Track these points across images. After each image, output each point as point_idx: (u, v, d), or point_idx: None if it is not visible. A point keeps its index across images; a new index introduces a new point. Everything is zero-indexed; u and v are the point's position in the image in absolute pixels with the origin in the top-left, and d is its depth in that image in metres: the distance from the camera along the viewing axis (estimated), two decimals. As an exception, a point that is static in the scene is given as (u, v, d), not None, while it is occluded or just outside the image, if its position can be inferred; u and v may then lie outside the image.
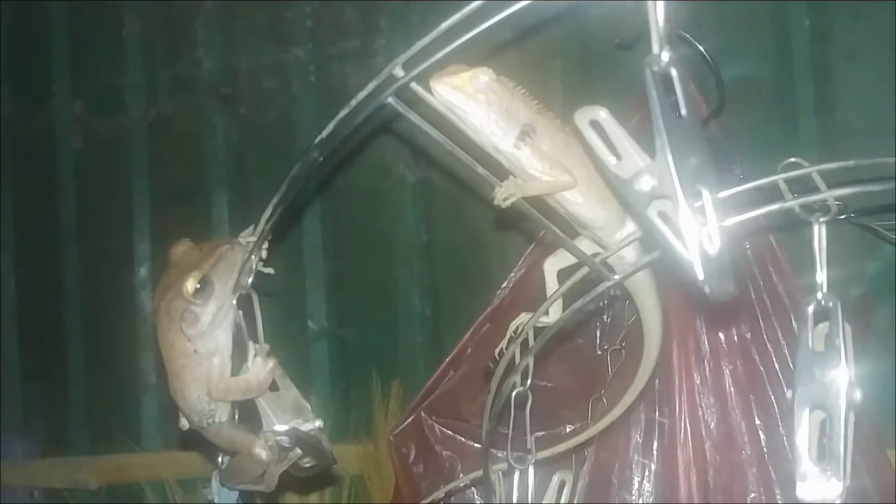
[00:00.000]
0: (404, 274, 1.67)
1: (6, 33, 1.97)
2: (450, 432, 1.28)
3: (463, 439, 1.27)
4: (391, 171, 1.66)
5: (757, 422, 1.15)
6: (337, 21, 1.72)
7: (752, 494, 1.14)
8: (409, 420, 1.31)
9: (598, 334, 1.30)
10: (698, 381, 1.16)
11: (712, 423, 1.15)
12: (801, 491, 0.58)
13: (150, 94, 1.85)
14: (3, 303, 1.96)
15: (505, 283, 1.30)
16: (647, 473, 1.20)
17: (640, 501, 1.18)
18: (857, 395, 0.58)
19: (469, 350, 1.32)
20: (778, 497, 1.12)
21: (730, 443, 1.15)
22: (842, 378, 0.59)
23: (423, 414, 1.30)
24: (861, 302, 1.33)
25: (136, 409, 1.82)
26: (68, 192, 1.91)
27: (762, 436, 1.16)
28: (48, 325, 1.93)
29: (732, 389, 1.16)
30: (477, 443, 1.25)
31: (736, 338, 1.17)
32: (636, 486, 1.19)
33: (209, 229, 1.77)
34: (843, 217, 1.09)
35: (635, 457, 1.20)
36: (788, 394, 0.60)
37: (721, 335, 1.17)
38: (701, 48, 1.16)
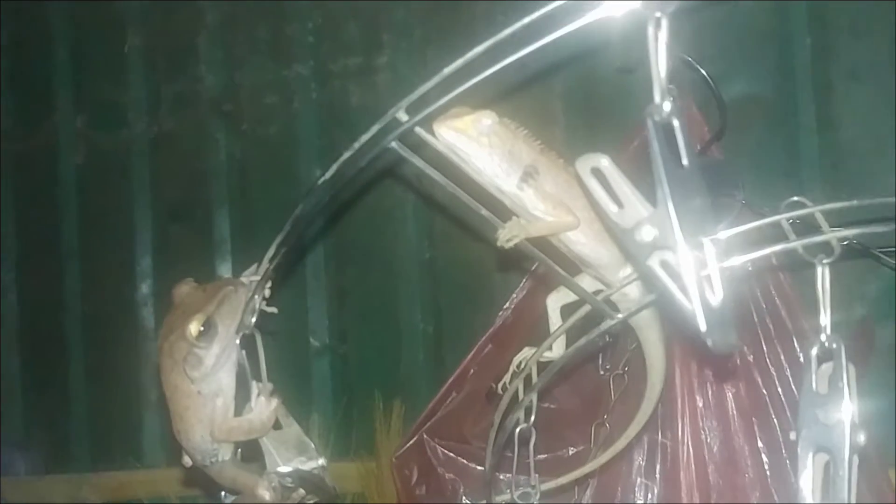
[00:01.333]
0: (406, 291, 1.67)
1: (8, 48, 1.98)
2: (452, 454, 1.27)
3: (465, 461, 1.26)
4: (393, 187, 1.66)
5: (759, 444, 1.15)
6: (339, 37, 1.73)
7: (755, 517, 1.14)
8: (412, 442, 1.31)
9: (600, 356, 1.30)
10: (701, 405, 1.16)
11: (715, 447, 1.15)
12: (806, 536, 0.58)
13: (152, 110, 1.86)
14: (5, 318, 1.96)
15: (507, 304, 1.30)
16: (650, 496, 1.20)
17: (643, 524, 1.19)
18: (861, 438, 0.58)
19: (471, 371, 1.31)
20: (780, 522, 1.12)
21: (733, 466, 1.15)
22: (846, 421, 0.59)
23: (425, 436, 1.29)
24: (863, 325, 1.33)
25: (137, 426, 1.82)
26: (70, 206, 1.92)
27: (765, 459, 1.16)
28: (49, 340, 1.93)
29: (735, 413, 1.16)
30: (479, 465, 1.25)
31: (739, 361, 1.17)
32: (639, 509, 1.20)
33: (211, 245, 1.79)
34: (844, 243, 1.10)
35: (638, 479, 1.20)
36: (792, 435, 0.60)
37: (724, 358, 1.18)
38: (703, 72, 1.16)
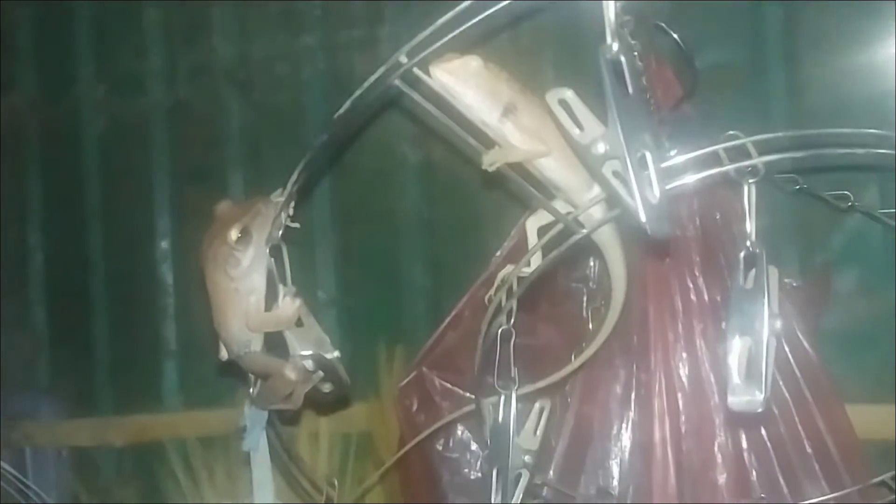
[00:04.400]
0: (407, 248, 1.77)
1: (31, 22, 2.07)
2: (448, 385, 1.39)
3: (460, 391, 1.38)
4: (394, 152, 1.76)
5: (724, 374, 1.28)
6: (344, 11, 1.81)
7: (720, 438, 1.24)
8: (413, 376, 1.43)
9: (584, 300, 1.41)
10: (672, 339, 1.26)
11: (684, 376, 1.25)
12: (732, 402, 0.71)
13: (170, 80, 1.94)
14: (31, 275, 2.06)
15: (499, 252, 1.42)
16: (625, 421, 1.30)
17: (619, 445, 1.31)
18: (778, 324, 0.71)
19: (466, 313, 1.42)
20: (742, 439, 1.25)
21: (699, 393, 1.25)
22: (764, 310, 0.71)
23: (424, 370, 1.41)
24: (823, 269, 1.45)
25: (157, 373, 1.92)
26: (92, 171, 2.01)
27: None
28: (74, 295, 2.03)
29: (703, 346, 1.26)
30: (472, 393, 1.37)
31: (707, 300, 1.27)
32: (615, 431, 1.30)
33: (226, 205, 1.89)
34: (797, 188, 1.23)
35: (615, 406, 1.31)
36: (723, 325, 0.72)
37: (693, 297, 1.28)
38: (675, 36, 1.27)
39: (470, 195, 1.68)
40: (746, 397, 0.70)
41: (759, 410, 0.69)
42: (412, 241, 1.77)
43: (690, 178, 0.72)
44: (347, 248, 1.82)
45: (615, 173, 0.63)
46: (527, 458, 0.86)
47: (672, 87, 1.32)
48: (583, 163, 0.68)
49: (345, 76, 1.80)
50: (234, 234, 0.83)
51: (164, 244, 1.95)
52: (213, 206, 1.86)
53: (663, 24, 1.27)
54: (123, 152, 2.00)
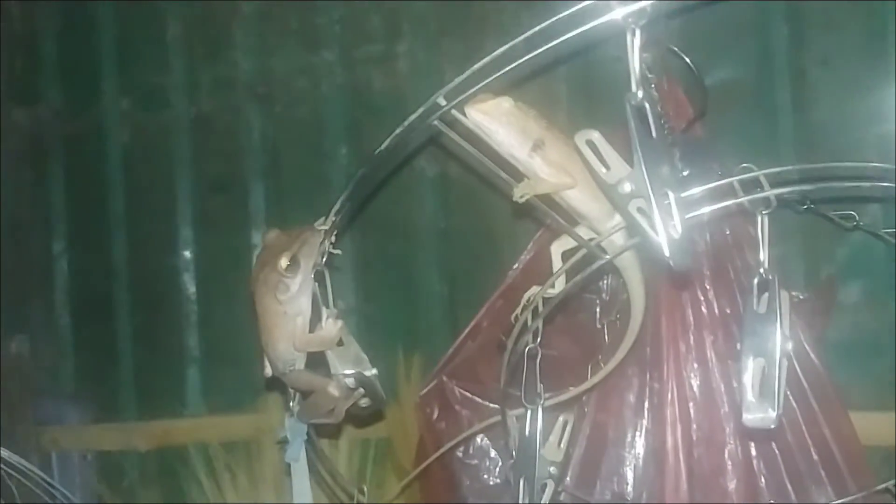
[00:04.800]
0: (424, 257, 1.81)
1: (57, 36, 2.11)
2: (468, 394, 1.43)
3: (480, 400, 1.42)
4: (413, 164, 1.79)
5: (734, 384, 1.28)
6: (363, 26, 1.85)
7: (730, 446, 1.28)
8: (433, 384, 1.47)
9: (598, 311, 1.46)
10: (684, 350, 1.30)
11: (696, 386, 1.30)
12: (747, 419, 0.76)
13: (192, 93, 1.98)
14: (57, 283, 2.11)
15: (516, 265, 1.46)
16: (639, 429, 1.34)
17: (633, 452, 1.36)
18: (789, 345, 0.76)
19: (485, 323, 1.47)
20: (751, 447, 1.30)
21: (710, 402, 1.29)
22: (777, 333, 0.76)
23: (444, 378, 1.46)
24: (827, 281, 1.49)
25: (181, 379, 1.96)
26: (116, 182, 2.05)
27: (738, 396, 1.31)
28: (98, 304, 2.07)
29: (713, 356, 1.30)
30: (492, 403, 1.41)
31: (717, 312, 1.31)
32: (629, 439, 1.34)
33: (246, 215, 1.92)
34: (804, 208, 1.27)
35: (629, 415, 1.35)
36: (738, 346, 0.78)
37: (704, 310, 1.31)
38: (687, 60, 1.31)
39: (486, 206, 1.72)
40: (760, 414, 0.75)
41: (773, 427, 0.75)
42: (429, 250, 1.81)
43: (707, 209, 0.77)
44: (365, 257, 1.85)
45: (640, 210, 0.69)
46: (552, 468, 0.92)
47: (683, 108, 1.36)
48: (609, 199, 0.73)
49: (363, 91, 1.85)
50: (283, 262, 0.89)
51: (187, 253, 1.99)
52: (234, 217, 1.95)
53: (675, 48, 1.31)
54: (147, 164, 2.04)
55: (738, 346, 1.30)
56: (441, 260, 1.80)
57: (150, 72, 2.03)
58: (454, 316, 1.78)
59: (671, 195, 0.68)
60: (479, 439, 1.42)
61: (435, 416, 1.45)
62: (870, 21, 1.50)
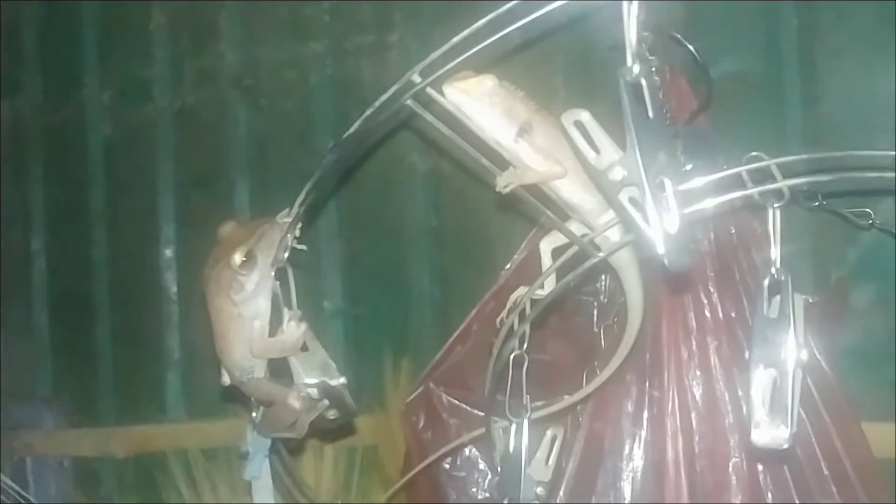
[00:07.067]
0: (414, 257, 1.75)
1: (38, 27, 2.06)
2: (456, 402, 1.37)
3: (468, 408, 1.35)
4: (403, 160, 1.74)
5: (739, 393, 1.23)
6: (352, 16, 1.80)
7: (734, 459, 1.22)
8: (419, 391, 1.40)
9: (595, 313, 1.39)
10: (686, 356, 1.24)
11: (698, 394, 1.24)
12: (756, 436, 0.68)
13: (176, 85, 1.93)
14: (35, 281, 2.05)
15: (508, 265, 1.40)
16: (637, 440, 1.28)
17: (631, 465, 1.28)
18: (804, 354, 0.68)
19: (475, 327, 1.41)
20: (757, 461, 1.22)
21: (714, 412, 1.23)
22: (790, 340, 0.68)
23: (431, 385, 1.39)
24: (839, 284, 1.42)
25: (160, 383, 1.91)
26: (97, 177, 2.00)
27: (744, 406, 1.24)
28: (77, 303, 2.02)
29: (717, 363, 1.24)
30: (480, 411, 1.35)
31: (721, 316, 1.25)
32: (627, 451, 1.28)
33: (231, 212, 1.85)
34: (816, 204, 1.20)
35: (627, 425, 1.29)
36: (746, 354, 0.69)
37: (707, 314, 1.26)
38: (691, 48, 1.25)
39: (478, 204, 1.66)
40: (771, 432, 0.67)
41: (785, 447, 0.67)
42: (419, 250, 1.75)
43: (711, 203, 0.69)
44: (354, 256, 1.80)
45: (632, 200, 0.60)
46: (539, 489, 0.84)
47: (687, 99, 1.31)
48: (598, 188, 0.65)
49: (353, 82, 1.79)
50: (237, 258, 0.80)
51: (169, 252, 1.95)
52: (218, 213, 1.88)
53: (679, 35, 1.25)
54: (128, 158, 1.99)
55: (745, 353, 1.29)
56: (432, 260, 1.75)
57: (132, 63, 1.98)
58: (446, 318, 1.73)
59: (668, 184, 0.60)
60: (467, 450, 1.35)
61: (421, 424, 1.38)
62: (881, 11, 1.43)
